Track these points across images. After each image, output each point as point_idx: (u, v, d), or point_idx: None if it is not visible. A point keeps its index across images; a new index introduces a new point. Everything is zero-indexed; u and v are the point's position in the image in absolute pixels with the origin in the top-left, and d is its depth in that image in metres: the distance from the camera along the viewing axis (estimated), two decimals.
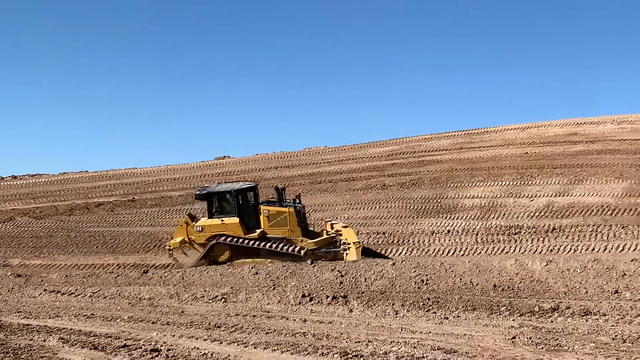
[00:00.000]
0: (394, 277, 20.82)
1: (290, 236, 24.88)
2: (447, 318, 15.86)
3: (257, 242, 24.85)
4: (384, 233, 31.10)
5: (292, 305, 18.21)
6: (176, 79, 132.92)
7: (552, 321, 15.13)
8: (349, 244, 24.55)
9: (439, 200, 34.98)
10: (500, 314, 16.03)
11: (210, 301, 18.99)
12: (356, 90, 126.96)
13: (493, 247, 27.83)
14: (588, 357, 11.27)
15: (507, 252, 26.76)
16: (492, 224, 30.59)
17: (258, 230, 25.08)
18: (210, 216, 25.69)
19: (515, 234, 29.07)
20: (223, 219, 25.27)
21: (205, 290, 19.93)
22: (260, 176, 43.59)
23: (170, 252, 25.89)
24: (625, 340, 12.59)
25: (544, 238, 28.30)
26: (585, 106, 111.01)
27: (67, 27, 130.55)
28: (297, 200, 25.93)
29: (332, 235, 25.43)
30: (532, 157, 39.95)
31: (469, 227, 30.64)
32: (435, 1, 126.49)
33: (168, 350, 12.13)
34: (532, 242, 27.83)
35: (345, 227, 26.11)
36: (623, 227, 27.98)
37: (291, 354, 11.71)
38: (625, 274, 19.01)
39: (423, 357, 11.10)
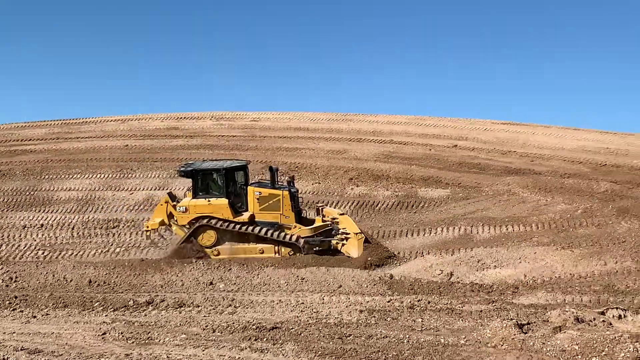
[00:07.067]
0: None
1: (282, 222, 22.50)
2: (35, 317, 14.95)
3: (248, 227, 22.27)
4: None
5: None
6: None
7: (145, 315, 15.05)
8: (348, 234, 22.26)
9: (32, 193, 33.08)
10: (93, 310, 15.56)
11: None
12: None
13: (90, 241, 27.02)
14: (178, 348, 11.37)
15: (105, 247, 26.16)
16: (90, 218, 29.76)
17: (246, 214, 22.60)
18: (195, 196, 22.95)
19: (114, 227, 28.61)
20: (210, 199, 22.62)
21: None
22: None
23: (148, 233, 23.62)
24: (215, 330, 12.96)
25: (143, 232, 28.20)
26: (185, 101, 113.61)
27: None
28: (291, 183, 23.37)
29: (328, 222, 22.94)
30: (132, 150, 40.03)
31: (65, 220, 29.46)
32: None
33: None
34: (130, 236, 27.56)
35: (342, 214, 23.71)
36: None
37: None
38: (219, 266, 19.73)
39: (4, 359, 10.17)
